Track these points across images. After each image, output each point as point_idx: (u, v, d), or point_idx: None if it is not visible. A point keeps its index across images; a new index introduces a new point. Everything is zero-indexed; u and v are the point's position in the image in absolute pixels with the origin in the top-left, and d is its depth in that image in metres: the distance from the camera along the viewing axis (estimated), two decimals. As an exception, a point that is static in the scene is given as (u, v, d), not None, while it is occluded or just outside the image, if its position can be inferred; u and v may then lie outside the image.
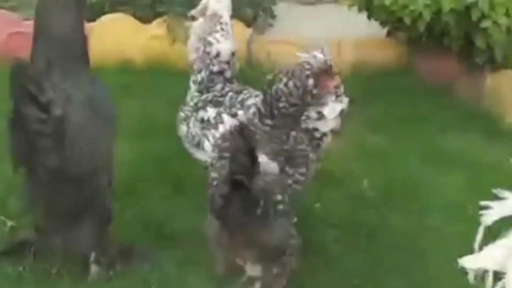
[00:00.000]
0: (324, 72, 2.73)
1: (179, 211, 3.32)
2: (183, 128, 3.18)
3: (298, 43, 5.16)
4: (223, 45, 3.15)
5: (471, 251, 1.99)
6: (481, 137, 4.30)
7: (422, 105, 4.67)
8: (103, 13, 5.05)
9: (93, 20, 4.95)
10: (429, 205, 3.51)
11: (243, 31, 5.13)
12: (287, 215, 2.65)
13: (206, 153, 3.07)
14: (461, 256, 2.00)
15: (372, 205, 3.49)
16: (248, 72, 4.97)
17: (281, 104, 2.70)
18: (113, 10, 5.06)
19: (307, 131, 2.95)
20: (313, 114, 2.96)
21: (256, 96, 3.09)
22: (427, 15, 4.41)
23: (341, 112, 2.98)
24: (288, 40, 5.15)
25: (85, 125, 2.63)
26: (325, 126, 2.98)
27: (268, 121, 2.72)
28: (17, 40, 4.67)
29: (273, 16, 5.45)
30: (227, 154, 2.57)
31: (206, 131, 3.09)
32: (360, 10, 4.87)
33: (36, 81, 2.45)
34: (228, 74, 3.16)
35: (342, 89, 2.99)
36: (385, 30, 5.04)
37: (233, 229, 2.58)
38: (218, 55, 3.15)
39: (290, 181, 2.69)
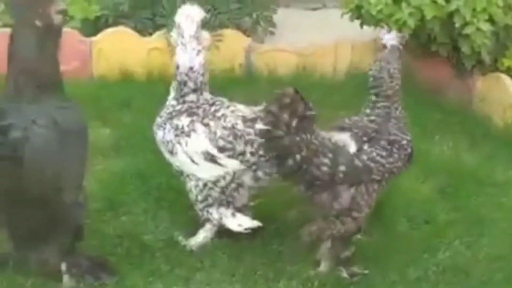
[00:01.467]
0: None
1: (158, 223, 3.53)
2: (159, 134, 3.37)
3: (297, 51, 5.34)
4: (181, 59, 3.34)
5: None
6: (466, 140, 4.40)
7: (411, 108, 4.74)
8: (107, 27, 5.25)
9: (95, 34, 5.17)
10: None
11: (242, 41, 5.29)
12: (351, 185, 3.09)
13: (178, 159, 3.28)
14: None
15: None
16: (247, 82, 5.17)
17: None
18: (115, 23, 5.25)
19: None
20: None
21: (227, 107, 3.30)
22: (411, 23, 4.50)
23: None
24: (287, 48, 5.31)
25: (48, 148, 2.79)
26: None
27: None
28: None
29: (273, 25, 5.57)
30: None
31: (180, 138, 3.28)
32: (351, 18, 4.97)
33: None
34: (191, 85, 3.33)
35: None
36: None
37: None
38: (177, 67, 3.36)
39: (364, 157, 3.12)
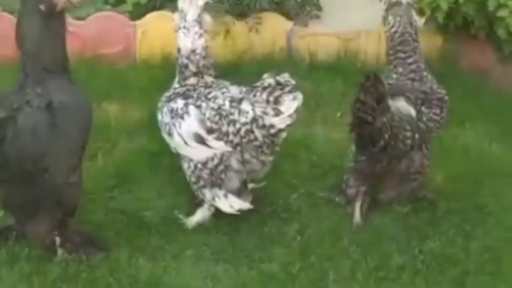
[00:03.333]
0: None
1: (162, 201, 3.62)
2: (158, 116, 3.46)
3: (339, 35, 5.27)
4: (182, 42, 3.41)
5: None
6: (497, 129, 4.24)
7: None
8: (155, 10, 5.37)
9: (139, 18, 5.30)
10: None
11: (283, 24, 5.28)
12: (418, 148, 3.35)
13: (174, 141, 3.36)
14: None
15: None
16: (287, 67, 5.17)
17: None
18: (161, 7, 5.36)
19: (264, 126, 3.15)
20: (270, 111, 3.14)
21: (220, 88, 3.34)
22: (444, 6, 4.38)
23: (297, 109, 3.13)
24: (329, 32, 5.26)
25: (36, 128, 2.92)
26: (281, 123, 3.15)
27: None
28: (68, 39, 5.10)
29: (319, 8, 5.52)
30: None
31: (174, 120, 3.36)
32: (389, 1, 4.86)
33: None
34: (192, 68, 3.40)
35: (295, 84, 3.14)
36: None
37: (374, 159, 3.30)
38: (179, 50, 3.43)
39: (424, 119, 3.33)
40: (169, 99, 3.41)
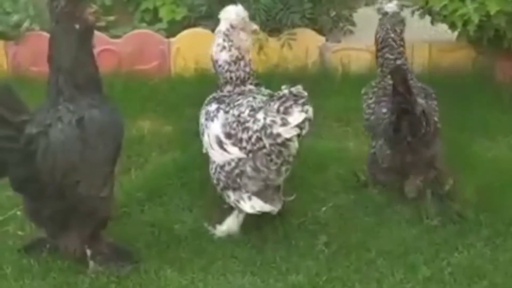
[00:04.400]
0: None
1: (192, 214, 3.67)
2: (199, 118, 3.57)
3: (371, 50, 5.25)
4: (211, 52, 3.53)
5: None
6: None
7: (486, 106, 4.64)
8: (189, 27, 5.46)
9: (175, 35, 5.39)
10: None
11: (316, 39, 5.32)
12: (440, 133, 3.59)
13: (204, 142, 3.48)
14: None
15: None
16: (320, 79, 5.19)
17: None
18: (196, 25, 5.45)
19: (271, 135, 3.21)
20: (278, 120, 3.18)
21: (250, 96, 3.42)
22: (475, 18, 4.36)
23: (304, 121, 3.15)
24: (361, 46, 5.27)
25: (66, 143, 3.00)
26: (287, 133, 3.18)
27: None
28: (105, 56, 5.22)
29: (352, 23, 5.55)
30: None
31: (207, 122, 3.47)
32: (422, 16, 4.87)
33: (7, 104, 2.88)
34: (220, 77, 3.51)
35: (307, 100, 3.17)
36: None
37: (404, 150, 3.46)
38: (210, 58, 3.56)
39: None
40: (208, 103, 3.54)
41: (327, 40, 5.37)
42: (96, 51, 5.20)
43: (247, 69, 3.53)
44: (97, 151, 3.10)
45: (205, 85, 5.19)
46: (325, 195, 3.75)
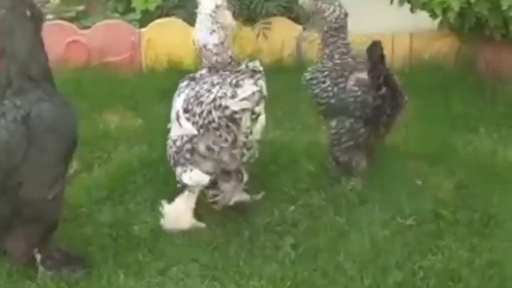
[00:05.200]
0: None
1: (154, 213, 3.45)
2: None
3: (351, 40, 5.07)
4: (196, 36, 3.40)
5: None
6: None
7: (461, 96, 4.45)
8: (163, 17, 5.26)
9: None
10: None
11: (292, 29, 5.12)
12: None
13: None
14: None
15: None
16: (296, 72, 4.99)
17: None
18: (168, 14, 5.24)
19: (219, 107, 3.08)
20: (229, 93, 3.06)
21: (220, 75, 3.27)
22: (456, 6, 4.16)
23: (253, 94, 3.01)
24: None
25: (10, 141, 2.80)
26: (235, 105, 3.05)
27: None
28: (74, 48, 5.02)
29: (331, 12, 5.33)
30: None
31: (176, 96, 3.36)
32: (401, 3, 4.67)
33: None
34: (205, 62, 3.37)
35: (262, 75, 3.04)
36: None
37: (381, 124, 3.47)
38: (193, 43, 3.43)
39: None
40: (183, 80, 3.41)
41: (304, 29, 5.17)
42: (64, 42, 5.15)
43: (229, 53, 3.37)
44: (44, 150, 2.87)
45: (177, 77, 5.00)
46: (295, 193, 3.55)
